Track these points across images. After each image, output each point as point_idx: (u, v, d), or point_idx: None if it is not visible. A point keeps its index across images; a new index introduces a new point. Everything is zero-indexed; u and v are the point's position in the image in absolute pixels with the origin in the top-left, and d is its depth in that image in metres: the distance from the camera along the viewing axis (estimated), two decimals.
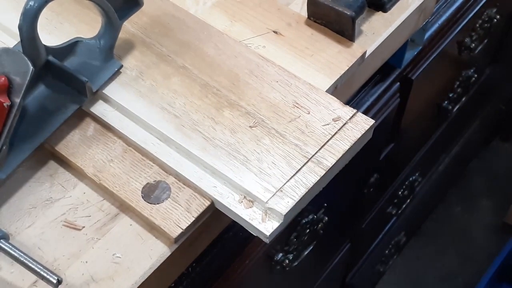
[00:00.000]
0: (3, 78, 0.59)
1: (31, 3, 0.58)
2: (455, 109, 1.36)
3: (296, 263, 1.02)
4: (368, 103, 0.95)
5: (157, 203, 0.63)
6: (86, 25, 0.75)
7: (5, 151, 0.62)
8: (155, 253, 0.61)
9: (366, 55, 0.75)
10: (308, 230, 1.02)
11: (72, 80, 0.67)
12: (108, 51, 0.70)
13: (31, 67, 0.60)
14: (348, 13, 0.73)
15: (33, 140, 0.65)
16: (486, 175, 1.95)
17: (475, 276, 1.73)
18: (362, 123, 0.67)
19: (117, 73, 0.70)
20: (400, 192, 1.41)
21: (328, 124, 0.67)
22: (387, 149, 1.18)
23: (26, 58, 0.60)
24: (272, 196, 0.62)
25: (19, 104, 0.61)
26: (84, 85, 0.66)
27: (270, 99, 0.69)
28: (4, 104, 0.59)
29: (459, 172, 1.86)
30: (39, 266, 0.57)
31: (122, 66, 0.70)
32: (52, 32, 0.75)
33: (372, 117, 0.72)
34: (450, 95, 1.32)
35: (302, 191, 0.62)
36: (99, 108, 0.69)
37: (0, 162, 0.62)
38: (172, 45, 0.74)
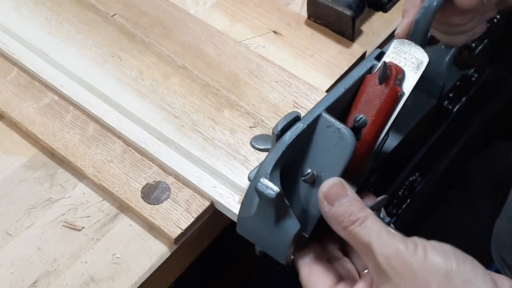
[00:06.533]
0: (397, 68, 0.58)
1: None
2: (455, 109, 1.36)
3: None
4: None
5: (157, 204, 0.63)
6: (86, 25, 0.75)
7: (385, 141, 0.59)
8: (155, 253, 0.61)
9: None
10: None
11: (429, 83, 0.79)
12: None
13: (427, 59, 0.59)
14: (348, 13, 0.73)
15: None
16: (486, 175, 1.95)
17: None
18: None
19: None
20: (400, 192, 1.40)
21: None
22: None
23: (423, 50, 0.59)
24: None
25: (407, 95, 0.58)
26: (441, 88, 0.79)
27: (270, 99, 0.69)
28: (398, 93, 0.57)
29: (459, 172, 1.85)
30: None
31: None
32: (52, 32, 0.75)
33: None
34: (450, 95, 1.32)
35: None
36: (99, 108, 0.69)
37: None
38: (172, 45, 0.74)
